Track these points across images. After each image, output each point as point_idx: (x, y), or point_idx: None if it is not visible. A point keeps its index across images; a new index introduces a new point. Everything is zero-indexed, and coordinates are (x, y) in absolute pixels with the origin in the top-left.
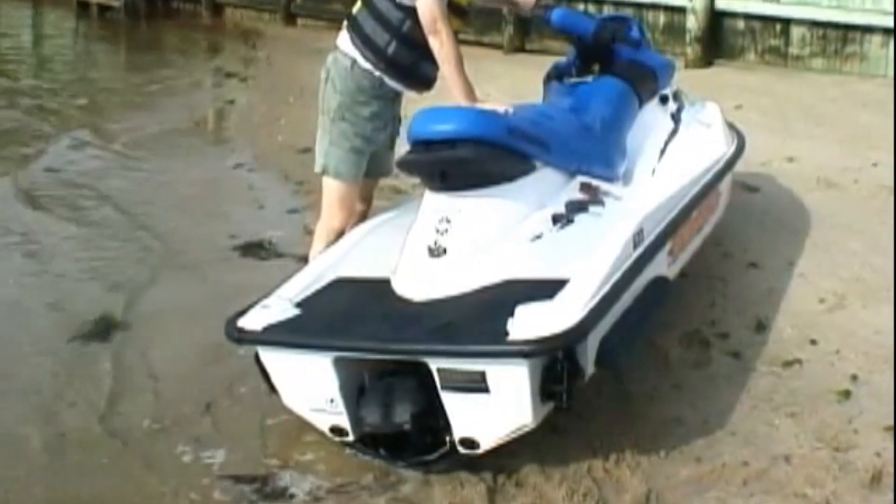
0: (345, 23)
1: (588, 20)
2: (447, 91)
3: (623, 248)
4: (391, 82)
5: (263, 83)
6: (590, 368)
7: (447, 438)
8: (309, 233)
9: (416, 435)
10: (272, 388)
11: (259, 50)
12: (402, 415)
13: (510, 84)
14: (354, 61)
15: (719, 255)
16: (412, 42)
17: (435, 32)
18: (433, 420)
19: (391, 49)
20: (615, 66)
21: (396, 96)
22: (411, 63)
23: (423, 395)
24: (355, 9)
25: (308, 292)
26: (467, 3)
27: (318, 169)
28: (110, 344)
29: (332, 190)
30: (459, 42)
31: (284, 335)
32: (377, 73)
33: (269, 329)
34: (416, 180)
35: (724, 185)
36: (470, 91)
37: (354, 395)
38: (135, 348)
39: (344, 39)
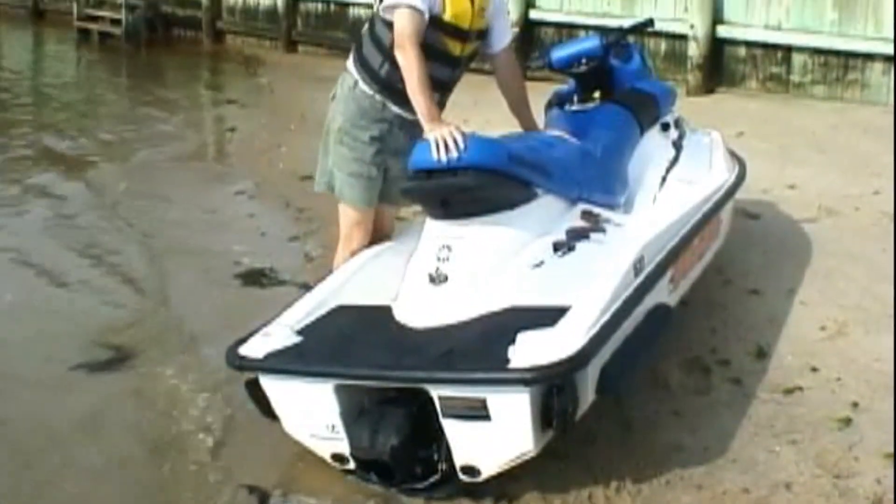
0: (354, 43)
1: (584, 40)
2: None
3: (624, 275)
4: (394, 107)
5: (264, 110)
6: (590, 396)
7: (440, 467)
8: (310, 260)
9: (395, 465)
10: (266, 414)
11: (260, 77)
12: (384, 445)
13: None
14: (356, 82)
15: (720, 281)
16: None
17: (399, 47)
18: (424, 449)
19: (384, 71)
20: (616, 94)
21: (404, 123)
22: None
23: (409, 427)
24: (363, 28)
25: (309, 319)
26: (469, 26)
27: (318, 188)
28: (111, 370)
29: (346, 214)
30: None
31: (286, 362)
32: (378, 97)
33: (271, 356)
34: (418, 208)
35: (725, 213)
36: (429, 109)
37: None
38: (137, 375)
39: (350, 60)
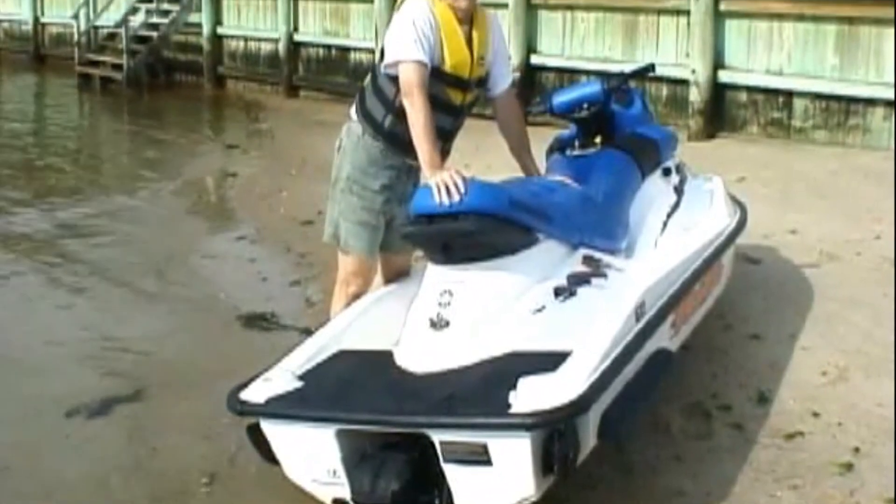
0: (357, 94)
1: (586, 85)
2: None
3: (625, 320)
4: (397, 155)
5: (265, 155)
6: (592, 441)
7: None
8: (311, 305)
9: None
10: (267, 459)
11: (261, 122)
12: (385, 490)
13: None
14: (363, 132)
15: (721, 326)
16: (405, 116)
17: (407, 95)
18: (425, 494)
19: (387, 123)
20: (617, 139)
21: (411, 170)
22: (410, 137)
23: (410, 472)
24: (365, 80)
25: (311, 364)
26: (469, 75)
27: (326, 238)
28: (112, 416)
29: (346, 261)
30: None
31: (287, 407)
32: (384, 147)
33: (272, 401)
34: (420, 253)
35: (727, 258)
36: (431, 156)
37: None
38: (136, 420)
39: (353, 111)
